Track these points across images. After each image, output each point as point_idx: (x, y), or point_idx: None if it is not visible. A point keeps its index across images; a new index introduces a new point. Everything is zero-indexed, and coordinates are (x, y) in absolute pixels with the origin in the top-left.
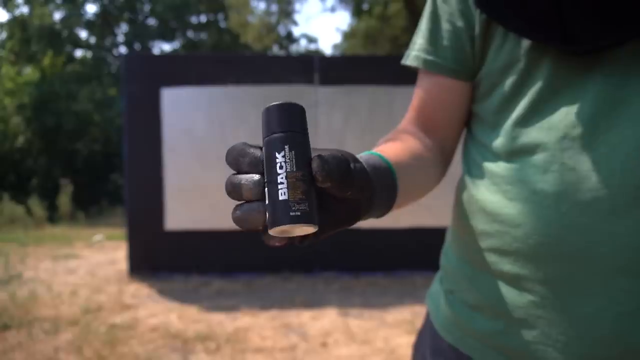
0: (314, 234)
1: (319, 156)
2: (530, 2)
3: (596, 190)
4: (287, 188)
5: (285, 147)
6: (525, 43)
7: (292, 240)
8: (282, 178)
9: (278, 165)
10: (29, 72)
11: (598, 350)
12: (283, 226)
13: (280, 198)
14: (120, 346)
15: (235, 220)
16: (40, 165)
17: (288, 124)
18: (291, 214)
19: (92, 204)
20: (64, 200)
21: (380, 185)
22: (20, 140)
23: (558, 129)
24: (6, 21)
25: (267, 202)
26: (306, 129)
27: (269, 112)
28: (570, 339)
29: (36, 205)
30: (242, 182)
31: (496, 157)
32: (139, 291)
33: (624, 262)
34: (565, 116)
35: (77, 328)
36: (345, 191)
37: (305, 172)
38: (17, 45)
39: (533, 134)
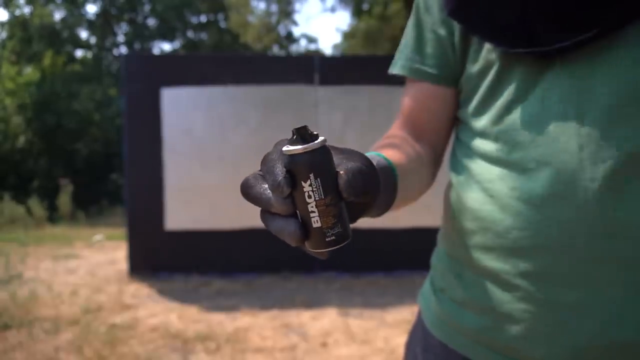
0: None
1: (345, 177)
2: (498, 12)
3: (569, 182)
4: (319, 216)
5: (310, 175)
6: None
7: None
8: (312, 207)
9: (306, 195)
10: (30, 72)
11: (583, 341)
12: (321, 250)
13: (314, 226)
14: (120, 346)
15: (273, 231)
16: (41, 165)
17: (310, 147)
18: (327, 239)
19: (92, 204)
20: (64, 200)
21: (384, 187)
22: (21, 140)
23: (531, 127)
24: (7, 21)
25: (299, 219)
26: (325, 142)
27: (295, 135)
28: (555, 331)
29: (36, 205)
30: (273, 202)
31: (477, 156)
32: (139, 291)
33: (601, 252)
34: (536, 114)
35: (77, 328)
36: (362, 200)
37: (334, 194)
38: (18, 45)
39: (509, 133)
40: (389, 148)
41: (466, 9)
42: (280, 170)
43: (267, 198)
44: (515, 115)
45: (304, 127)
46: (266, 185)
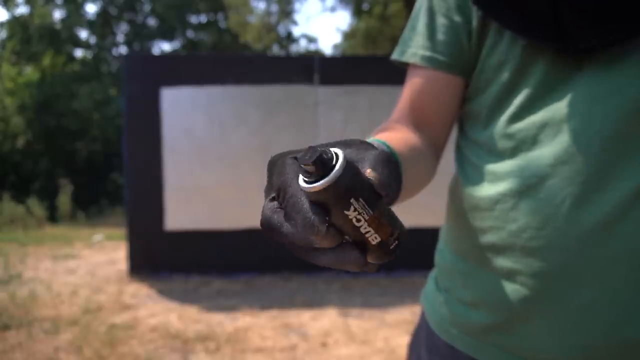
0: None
1: (376, 174)
2: (526, 1)
3: (588, 182)
4: (376, 232)
5: (352, 200)
6: (521, 41)
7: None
8: (365, 228)
9: (354, 220)
10: (29, 72)
11: (595, 340)
12: (386, 259)
13: (374, 242)
14: (120, 346)
15: (327, 265)
16: (41, 165)
17: (338, 172)
18: (390, 247)
19: (92, 204)
20: (64, 200)
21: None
22: (21, 140)
23: (551, 125)
24: (6, 21)
25: (352, 241)
26: (345, 156)
27: (310, 162)
28: (567, 330)
29: (36, 205)
30: (313, 240)
31: (489, 154)
32: (139, 291)
33: (615, 252)
34: (559, 112)
35: (77, 328)
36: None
37: (380, 204)
38: (18, 45)
39: (527, 131)
40: (392, 137)
41: None
42: (307, 207)
43: (304, 237)
44: (536, 113)
45: (313, 149)
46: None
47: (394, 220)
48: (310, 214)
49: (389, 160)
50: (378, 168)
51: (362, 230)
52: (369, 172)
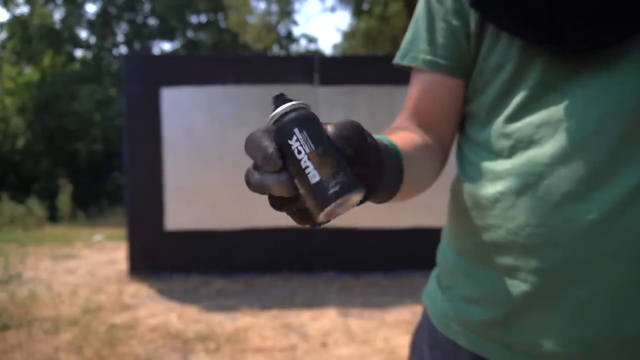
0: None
1: (334, 126)
2: (522, 4)
3: (585, 181)
4: (315, 169)
5: (295, 130)
6: (518, 42)
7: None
8: (305, 162)
9: (295, 151)
10: (29, 72)
11: (594, 335)
12: (329, 207)
13: (313, 182)
14: (120, 346)
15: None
16: (41, 165)
17: (289, 106)
18: (330, 191)
19: (92, 204)
20: (64, 200)
21: (388, 163)
22: (21, 140)
23: (548, 125)
24: (6, 21)
25: (302, 192)
26: (309, 106)
27: (273, 103)
28: (566, 326)
29: (36, 205)
30: (270, 184)
31: (489, 153)
32: (139, 291)
33: (614, 249)
34: (555, 112)
35: (77, 328)
36: (362, 159)
37: (326, 145)
38: (18, 45)
39: (525, 131)
40: (393, 135)
41: (490, 0)
42: (267, 141)
43: (264, 185)
44: (534, 113)
45: (281, 94)
46: (265, 177)
47: (341, 166)
48: (270, 146)
49: (358, 127)
50: (340, 124)
51: (302, 165)
52: (328, 127)
